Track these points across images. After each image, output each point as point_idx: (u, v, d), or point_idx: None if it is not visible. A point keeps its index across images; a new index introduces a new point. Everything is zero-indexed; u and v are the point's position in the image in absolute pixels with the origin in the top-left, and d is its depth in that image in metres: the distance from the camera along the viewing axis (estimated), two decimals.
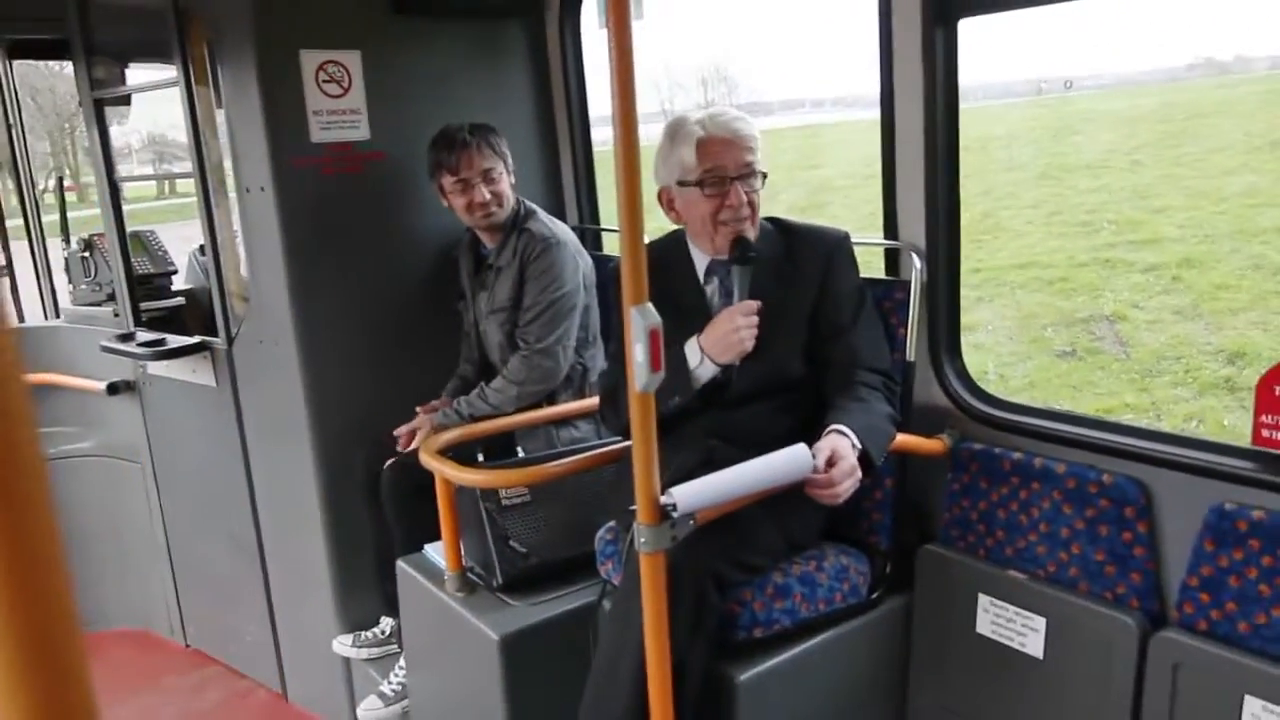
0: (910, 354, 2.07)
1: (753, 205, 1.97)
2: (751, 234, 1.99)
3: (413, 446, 2.49)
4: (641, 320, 1.46)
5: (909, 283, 2.07)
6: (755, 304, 1.92)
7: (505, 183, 2.62)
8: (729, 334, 1.89)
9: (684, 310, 1.98)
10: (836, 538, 2.09)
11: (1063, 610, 1.85)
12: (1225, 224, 9.06)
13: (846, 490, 1.70)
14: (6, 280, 4.07)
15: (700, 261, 2.07)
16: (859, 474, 1.73)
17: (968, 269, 8.97)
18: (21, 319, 3.90)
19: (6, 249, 4.03)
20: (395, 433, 2.67)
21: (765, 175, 1.99)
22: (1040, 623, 1.88)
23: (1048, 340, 7.16)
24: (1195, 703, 1.65)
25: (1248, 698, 1.58)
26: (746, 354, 1.91)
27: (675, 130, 1.97)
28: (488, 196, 2.58)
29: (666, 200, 2.04)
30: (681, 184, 1.97)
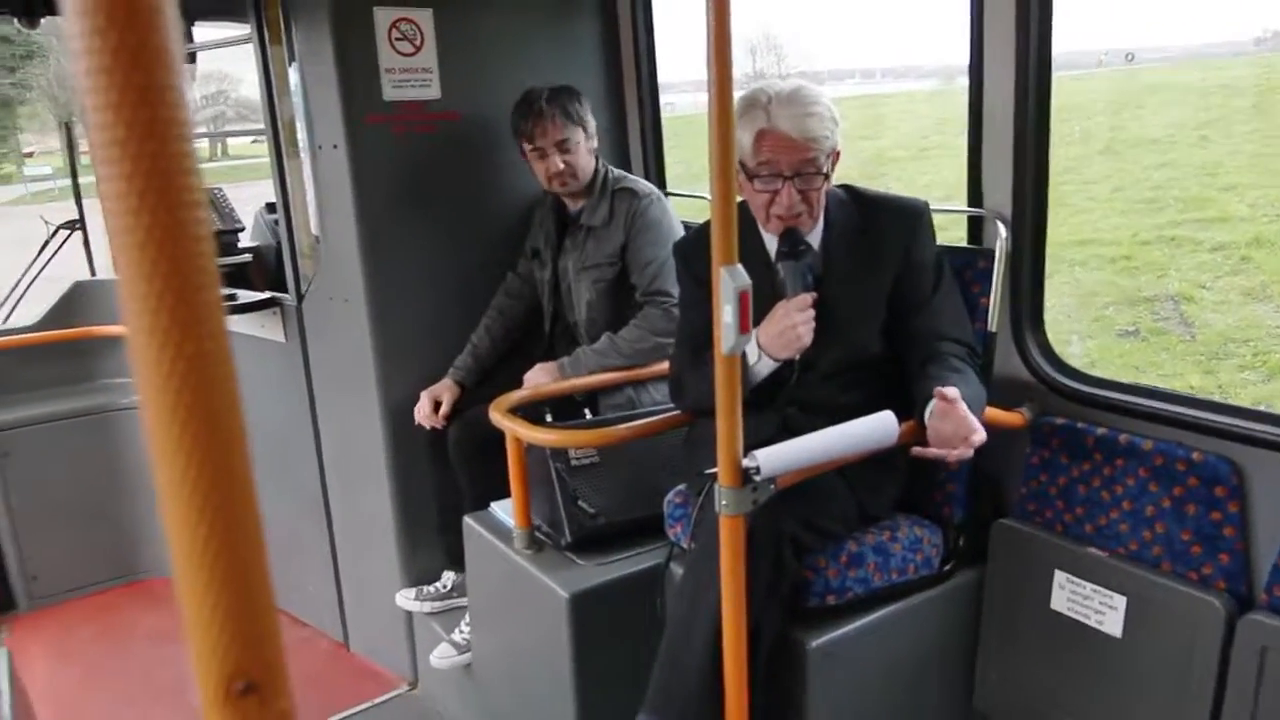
0: (992, 325, 2.03)
1: (809, 202, 1.88)
2: (808, 227, 1.93)
3: (524, 399, 2.42)
4: (731, 281, 1.45)
5: (993, 251, 2.03)
6: (810, 297, 1.85)
7: (582, 152, 2.61)
8: (786, 330, 1.84)
9: (753, 289, 1.93)
10: (911, 509, 2.08)
11: (1144, 589, 1.82)
12: None
13: (973, 440, 1.65)
14: (79, 234, 4.17)
15: (771, 241, 2.00)
16: (982, 431, 1.67)
17: None
18: (93, 272, 3.98)
19: (80, 204, 4.12)
20: (420, 406, 2.70)
21: (838, 155, 1.89)
22: (1120, 601, 1.85)
23: (1109, 319, 7.00)
24: None
25: None
26: (805, 348, 1.86)
27: (746, 105, 1.86)
28: (561, 167, 2.59)
29: None
30: (739, 165, 1.88)
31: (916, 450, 1.70)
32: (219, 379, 0.43)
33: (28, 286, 4.07)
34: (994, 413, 2.00)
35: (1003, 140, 2.02)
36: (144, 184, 0.39)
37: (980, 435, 1.65)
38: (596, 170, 2.67)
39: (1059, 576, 1.94)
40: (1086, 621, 1.90)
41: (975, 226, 2.15)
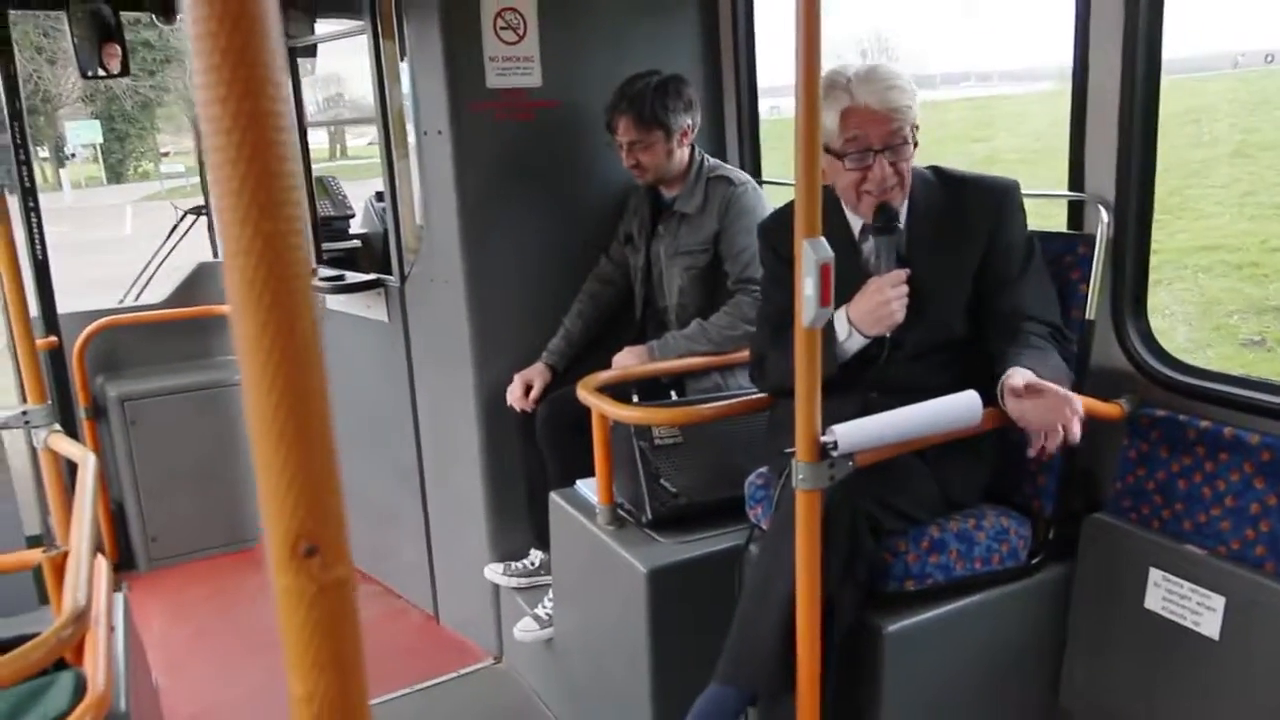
0: (1090, 312, 1.97)
1: (900, 174, 1.88)
2: (898, 200, 1.92)
3: (611, 378, 2.48)
4: (813, 254, 1.46)
5: (1093, 237, 1.97)
6: (904, 273, 1.85)
7: (658, 152, 2.64)
8: (879, 306, 1.84)
9: (837, 271, 1.93)
10: (999, 499, 2.03)
11: (1245, 590, 1.73)
12: None
13: (1069, 410, 1.60)
14: (204, 218, 4.44)
15: (855, 221, 2.00)
16: (1075, 399, 1.63)
17: None
18: (216, 254, 4.23)
19: (206, 193, 4.38)
20: (512, 389, 2.77)
21: (917, 128, 1.89)
22: (1218, 602, 1.77)
23: (1233, 328, 6.64)
24: None
25: None
26: (897, 325, 1.86)
27: (827, 86, 1.86)
28: (631, 163, 2.67)
29: None
30: (825, 149, 1.89)
31: (1033, 452, 1.66)
32: (295, 263, 0.47)
33: (157, 267, 4.35)
34: (1090, 403, 1.93)
35: (1107, 121, 1.96)
36: (245, 168, 0.44)
37: (1076, 401, 1.60)
38: (692, 159, 2.70)
39: (1154, 574, 1.87)
40: (1182, 622, 1.82)
41: (1076, 213, 2.09)
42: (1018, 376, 1.65)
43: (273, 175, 0.45)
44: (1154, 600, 1.87)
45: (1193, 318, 7.02)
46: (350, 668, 0.52)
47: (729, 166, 2.76)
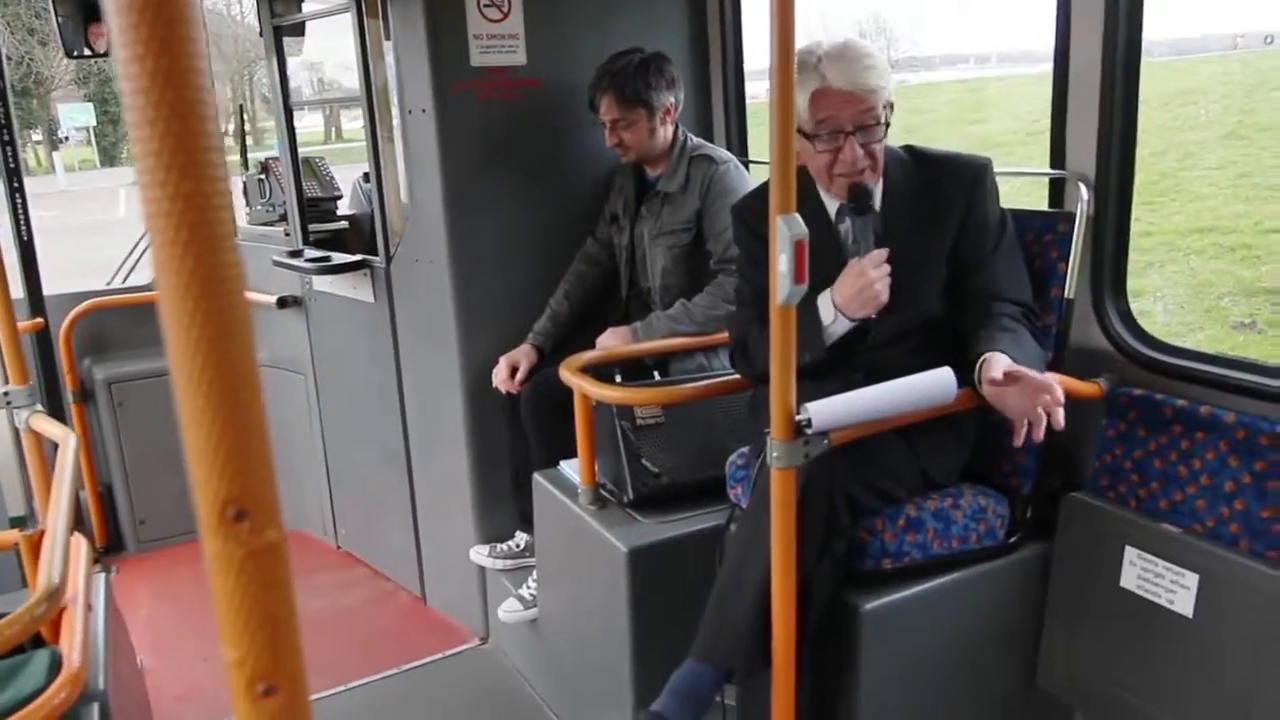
0: (1070, 291, 1.97)
1: (872, 156, 1.86)
2: (872, 181, 1.91)
3: (595, 359, 2.48)
4: (787, 230, 1.45)
5: (1073, 215, 1.96)
6: (884, 253, 1.84)
7: (640, 130, 2.64)
8: (864, 288, 1.83)
9: (815, 253, 1.93)
10: (976, 478, 2.04)
11: (1219, 568, 1.74)
12: None
13: (1052, 398, 1.60)
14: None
15: (831, 203, 1.99)
16: (1055, 385, 1.63)
17: (1138, 232, 8.38)
18: None
19: None
20: (498, 370, 2.76)
21: (891, 107, 1.87)
22: (1192, 580, 1.78)
23: (1224, 310, 6.65)
24: None
25: None
26: (882, 306, 1.85)
27: (799, 66, 1.82)
28: (614, 141, 2.67)
29: None
30: (797, 131, 1.86)
31: (1017, 441, 1.66)
32: (218, 224, 0.47)
33: (145, 249, 4.33)
34: (1069, 382, 1.93)
35: (1088, 100, 1.95)
36: (164, 127, 0.44)
37: (1056, 389, 1.60)
38: (675, 138, 2.69)
39: (1130, 553, 1.88)
40: (1157, 600, 1.83)
41: (1057, 192, 2.08)
42: (996, 366, 1.65)
43: (192, 134, 0.45)
44: (1130, 579, 1.88)
45: (1184, 300, 7.02)
46: (282, 631, 0.52)
47: (711, 145, 2.75)
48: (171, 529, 3.85)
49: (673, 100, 2.67)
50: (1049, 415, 1.60)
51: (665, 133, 2.67)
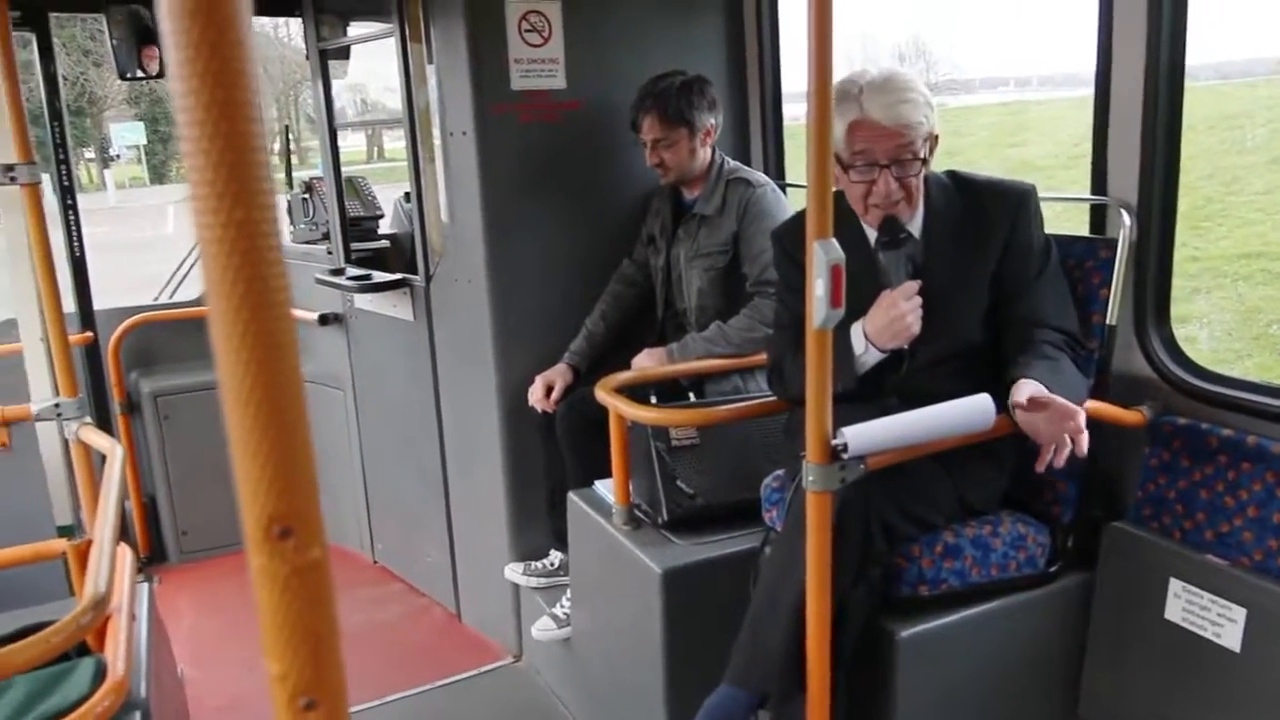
0: (1112, 318, 1.94)
1: (907, 189, 1.85)
2: (906, 215, 1.90)
3: (630, 380, 2.48)
4: (824, 255, 1.46)
5: (1115, 241, 1.94)
6: (915, 285, 1.84)
7: (681, 150, 2.66)
8: (894, 320, 1.83)
9: (852, 282, 1.92)
10: (1016, 506, 2.01)
11: (1268, 602, 1.70)
12: None
13: (1074, 425, 1.61)
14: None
15: (871, 232, 1.97)
16: (1080, 413, 1.63)
17: (1183, 257, 8.24)
18: None
19: None
20: (534, 389, 2.77)
21: (936, 140, 1.87)
22: (1240, 614, 1.74)
23: (1273, 337, 6.50)
24: None
25: None
26: (914, 337, 1.85)
27: (838, 95, 1.82)
28: (654, 161, 2.69)
29: None
30: (834, 158, 1.86)
31: (1040, 466, 1.66)
32: (267, 250, 0.48)
33: (192, 265, 4.43)
34: (1111, 410, 1.92)
35: (1130, 125, 1.94)
36: (218, 158, 0.45)
37: (1079, 415, 1.59)
38: (713, 161, 2.71)
39: (1174, 585, 1.84)
40: (1203, 634, 1.79)
41: (1099, 217, 2.06)
42: (1023, 390, 1.65)
43: (245, 165, 0.46)
44: (1174, 611, 1.84)
45: (1232, 326, 6.88)
46: (324, 647, 0.53)
47: (748, 169, 2.77)
48: (213, 541, 3.91)
49: (713, 122, 2.69)
50: (1074, 442, 1.60)
51: (705, 154, 2.69)
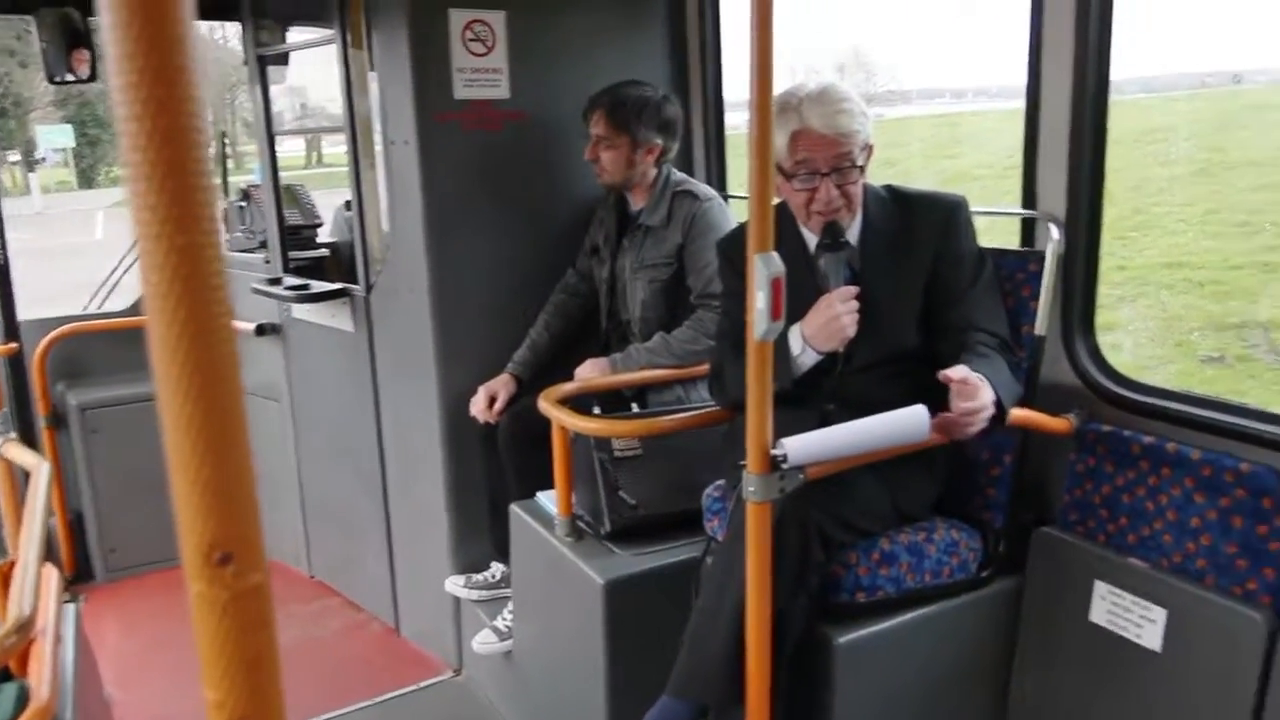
0: (1041, 328, 2.01)
1: (848, 196, 1.93)
2: (847, 220, 1.97)
3: (573, 391, 2.50)
4: (765, 268, 1.48)
5: (1044, 254, 2.01)
6: (853, 289, 1.90)
7: (618, 157, 2.67)
8: (830, 321, 1.88)
9: (793, 286, 1.95)
10: (949, 512, 2.06)
11: (1186, 603, 1.77)
12: None
13: (981, 415, 1.68)
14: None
15: (811, 239, 2.04)
16: (991, 406, 1.70)
17: (1111, 267, 8.50)
18: None
19: None
20: (476, 400, 2.76)
21: (871, 149, 1.94)
22: (1160, 614, 1.81)
23: (1194, 344, 6.76)
24: None
25: None
26: (849, 340, 1.90)
27: (779, 107, 1.90)
28: (589, 156, 2.71)
29: None
30: (776, 168, 1.92)
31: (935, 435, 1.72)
32: (210, 275, 0.48)
33: (121, 275, 4.31)
34: (1040, 418, 1.98)
35: (1058, 141, 2.01)
36: (160, 184, 0.45)
37: (980, 403, 1.67)
38: (659, 173, 2.72)
39: (1099, 587, 1.90)
40: (1125, 634, 1.86)
41: (1029, 230, 2.13)
42: (958, 370, 1.70)
43: (188, 190, 0.46)
44: (1099, 613, 1.90)
45: (1156, 334, 7.14)
46: (263, 675, 0.53)
47: (694, 181, 2.79)
48: (142, 557, 3.80)
49: (660, 142, 2.69)
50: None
51: (645, 168, 2.70)
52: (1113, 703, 1.89)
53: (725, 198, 3.11)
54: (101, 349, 3.80)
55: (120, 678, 3.01)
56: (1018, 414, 1.93)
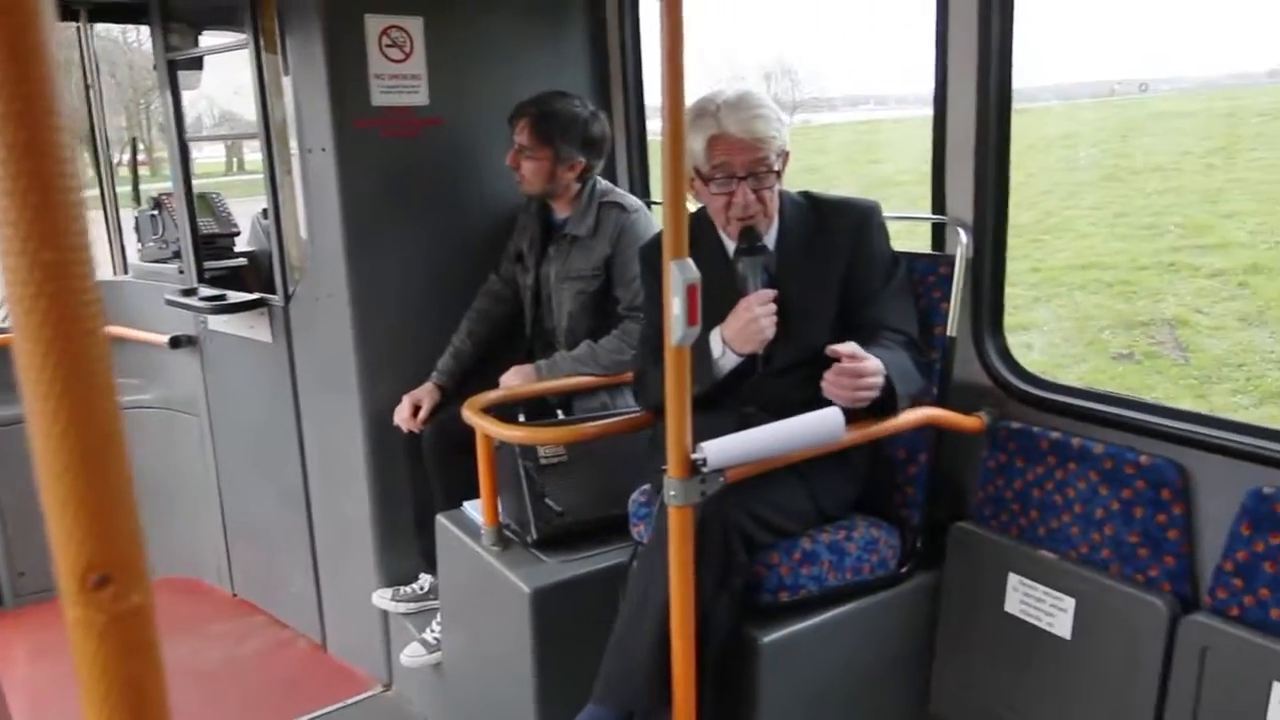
0: (952, 329, 2.06)
1: (763, 201, 1.97)
2: (764, 224, 2.01)
3: (497, 399, 2.47)
4: (680, 275, 1.49)
5: (954, 258, 2.07)
6: (771, 293, 1.94)
7: (540, 169, 2.64)
8: (749, 324, 1.91)
9: (713, 290, 1.98)
10: (868, 510, 2.10)
11: (1092, 591, 1.84)
12: None
13: (866, 386, 1.74)
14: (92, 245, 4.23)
15: (730, 243, 2.07)
16: (881, 380, 1.77)
17: (1026, 268, 8.78)
18: None
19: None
20: (400, 409, 2.74)
21: (787, 156, 1.98)
22: (1069, 603, 1.87)
23: (1105, 342, 7.02)
24: (1222, 687, 1.64)
25: (1276, 685, 1.56)
26: (768, 342, 1.93)
27: (696, 113, 1.94)
28: (510, 162, 2.68)
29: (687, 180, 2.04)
30: (695, 172, 1.98)
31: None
32: (80, 291, 0.47)
33: None
34: (953, 417, 2.04)
35: (964, 149, 2.07)
36: (23, 199, 0.43)
37: (866, 381, 1.74)
38: (584, 185, 2.71)
39: (1012, 579, 1.96)
40: (1038, 624, 1.92)
41: (940, 235, 2.19)
42: (847, 345, 1.77)
43: (54, 205, 0.45)
44: (1013, 604, 1.96)
45: (1069, 333, 7.39)
46: (147, 700, 0.52)
47: (621, 191, 2.78)
48: (53, 581, 3.64)
49: (583, 160, 2.66)
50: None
51: (567, 182, 2.67)
52: (1029, 690, 1.95)
53: (648, 204, 3.14)
54: (5, 366, 3.64)
55: (31, 707, 2.89)
56: (932, 413, 1.98)
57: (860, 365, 1.74)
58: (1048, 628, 1.90)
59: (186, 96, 3.58)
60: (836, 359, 1.75)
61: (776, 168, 1.95)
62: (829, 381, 1.75)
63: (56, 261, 0.45)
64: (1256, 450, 1.66)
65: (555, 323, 2.76)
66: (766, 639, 1.87)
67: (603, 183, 2.76)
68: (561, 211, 2.74)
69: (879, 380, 1.76)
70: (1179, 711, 1.69)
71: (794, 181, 2.09)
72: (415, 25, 2.76)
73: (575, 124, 2.65)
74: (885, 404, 1.81)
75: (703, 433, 1.62)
